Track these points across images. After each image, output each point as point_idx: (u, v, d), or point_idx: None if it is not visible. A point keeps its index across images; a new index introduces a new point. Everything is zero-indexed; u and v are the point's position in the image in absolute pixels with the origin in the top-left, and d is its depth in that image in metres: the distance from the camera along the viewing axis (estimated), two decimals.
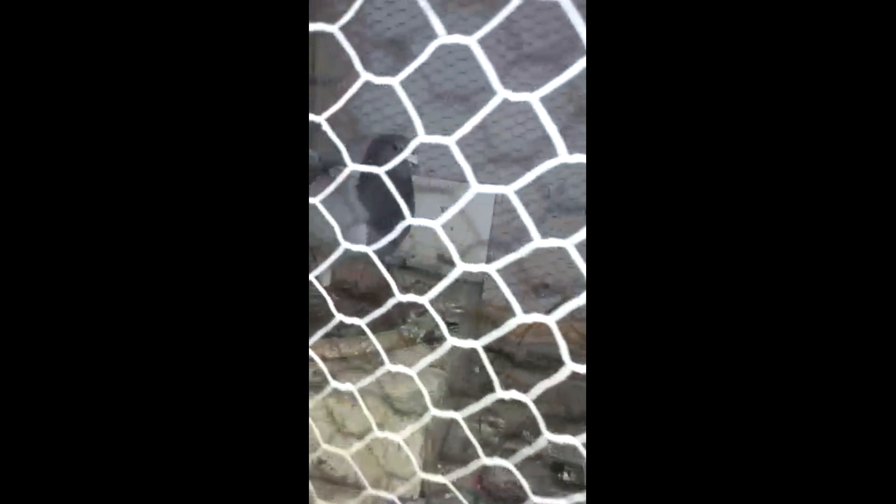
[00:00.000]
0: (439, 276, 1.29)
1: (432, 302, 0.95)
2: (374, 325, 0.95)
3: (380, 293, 1.08)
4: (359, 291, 1.12)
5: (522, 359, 1.15)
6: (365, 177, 0.93)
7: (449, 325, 0.89)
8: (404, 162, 0.89)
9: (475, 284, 1.23)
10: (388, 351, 0.81)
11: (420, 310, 0.93)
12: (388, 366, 0.37)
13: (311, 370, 0.72)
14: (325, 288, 1.04)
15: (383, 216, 0.89)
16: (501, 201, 1.26)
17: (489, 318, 1.32)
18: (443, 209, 1.37)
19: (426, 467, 0.68)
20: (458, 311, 0.93)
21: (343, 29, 0.33)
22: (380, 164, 0.92)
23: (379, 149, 0.90)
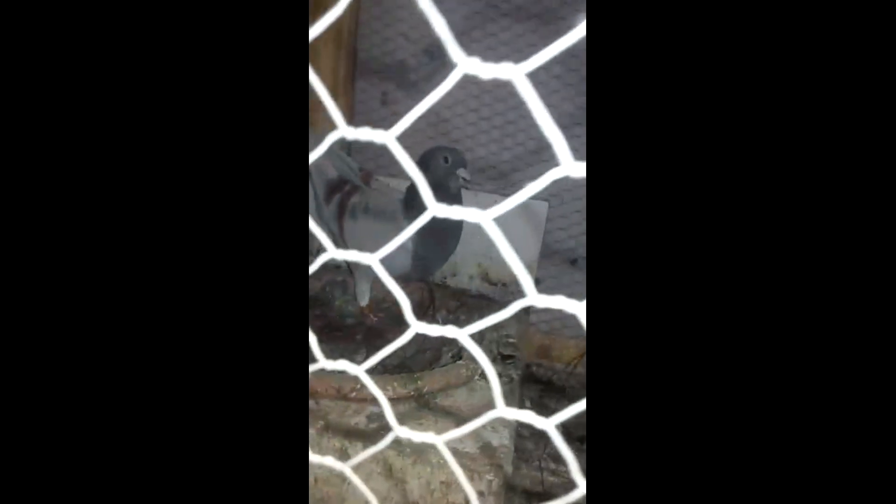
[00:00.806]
0: (483, 298, 1.20)
1: (482, 332, 0.87)
2: (423, 361, 0.87)
3: (422, 314, 1.01)
4: (399, 311, 1.05)
5: (574, 391, 1.06)
6: (411, 191, 0.87)
7: (504, 358, 0.81)
8: (454, 175, 0.82)
9: (522, 308, 1.15)
10: (444, 390, 0.73)
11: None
12: (457, 431, 0.29)
13: (364, 414, 0.65)
14: (364, 308, 0.98)
15: (431, 233, 0.82)
16: (553, 218, 1.18)
17: (533, 344, 1.23)
18: None
19: None
20: (512, 340, 0.84)
21: None
22: (430, 176, 0.86)
23: (429, 160, 0.83)
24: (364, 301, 0.96)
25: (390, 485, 0.59)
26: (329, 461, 0.31)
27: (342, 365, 0.28)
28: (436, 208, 0.25)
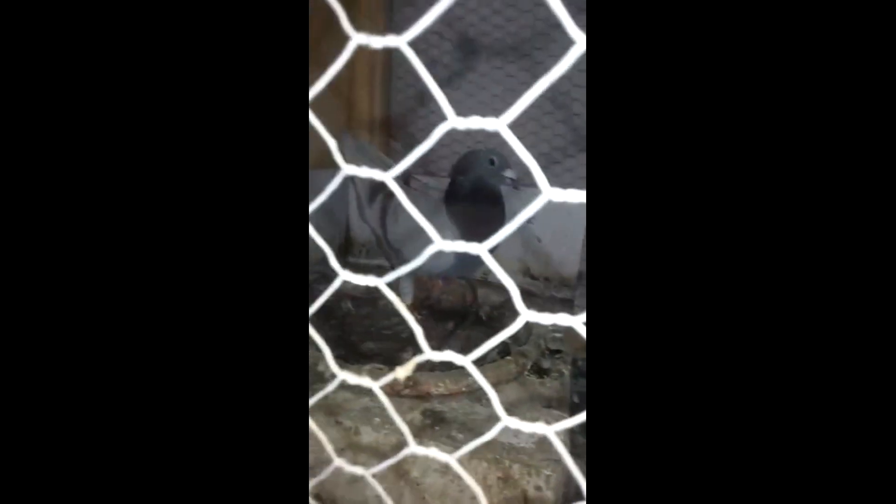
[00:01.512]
0: (526, 293, 1.20)
1: (528, 327, 0.86)
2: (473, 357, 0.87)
3: (467, 311, 1.01)
4: (442, 308, 1.06)
5: None
6: (452, 190, 0.87)
7: (553, 352, 0.81)
8: (497, 175, 0.83)
9: (565, 302, 1.14)
10: (496, 385, 0.74)
11: (516, 335, 0.85)
12: (505, 419, 0.29)
13: (418, 411, 0.66)
14: (408, 307, 0.99)
15: (472, 231, 0.83)
16: None
17: (580, 338, 1.22)
18: (530, 220, 1.30)
19: None
20: (558, 335, 0.84)
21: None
22: (470, 178, 0.86)
23: (471, 163, 0.84)
24: (408, 300, 0.98)
25: (447, 480, 0.60)
26: (434, 452, 0.32)
27: (448, 356, 0.29)
28: (550, 192, 0.25)
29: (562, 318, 0.25)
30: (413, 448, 0.32)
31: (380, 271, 1.26)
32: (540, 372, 0.74)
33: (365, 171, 0.31)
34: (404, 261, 0.94)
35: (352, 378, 0.33)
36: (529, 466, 0.57)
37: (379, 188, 0.95)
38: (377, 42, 0.26)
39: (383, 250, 0.97)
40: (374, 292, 1.12)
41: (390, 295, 0.32)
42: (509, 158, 0.84)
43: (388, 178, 0.30)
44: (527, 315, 0.26)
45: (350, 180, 1.10)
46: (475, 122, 0.25)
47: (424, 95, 1.28)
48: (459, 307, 1.04)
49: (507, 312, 0.95)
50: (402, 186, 1.03)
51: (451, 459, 0.31)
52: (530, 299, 1.12)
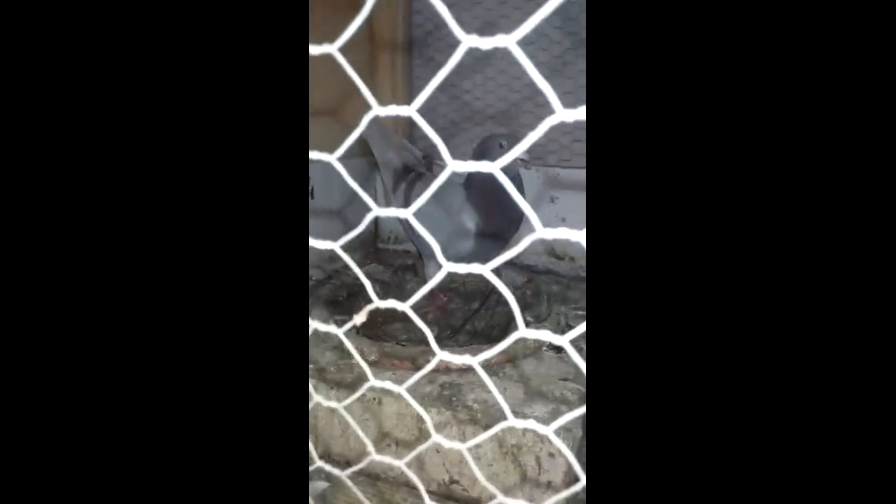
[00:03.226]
0: (550, 273, 1.21)
1: (549, 306, 0.89)
2: (492, 336, 0.91)
3: (490, 292, 1.05)
4: (466, 290, 1.09)
5: None
6: (471, 176, 0.90)
7: (572, 329, 0.84)
8: (514, 159, 0.85)
9: None
10: (513, 360, 0.77)
11: (537, 313, 0.88)
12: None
13: (437, 384, 0.70)
14: (434, 289, 1.03)
15: (492, 214, 0.86)
16: None
17: None
18: (553, 199, 1.31)
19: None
20: (580, 313, 0.87)
21: None
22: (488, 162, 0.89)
23: (485, 149, 0.87)
24: (434, 282, 1.01)
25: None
26: (389, 384, 0.35)
27: (473, 267, 0.32)
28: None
29: (562, 232, 0.28)
30: (372, 381, 0.37)
31: (407, 256, 1.29)
32: (558, 348, 0.77)
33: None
34: (426, 245, 0.97)
35: (321, 326, 0.38)
36: (543, 434, 0.60)
37: (401, 176, 0.98)
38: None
39: (409, 235, 1.01)
40: (401, 277, 1.16)
41: (420, 229, 0.35)
42: (520, 138, 0.87)
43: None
44: (541, 231, 0.29)
45: (375, 168, 1.13)
46: (489, 42, 0.27)
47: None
48: (483, 288, 1.07)
49: (528, 292, 0.98)
50: (425, 172, 1.06)
51: (482, 369, 0.35)
52: (556, 279, 1.14)
